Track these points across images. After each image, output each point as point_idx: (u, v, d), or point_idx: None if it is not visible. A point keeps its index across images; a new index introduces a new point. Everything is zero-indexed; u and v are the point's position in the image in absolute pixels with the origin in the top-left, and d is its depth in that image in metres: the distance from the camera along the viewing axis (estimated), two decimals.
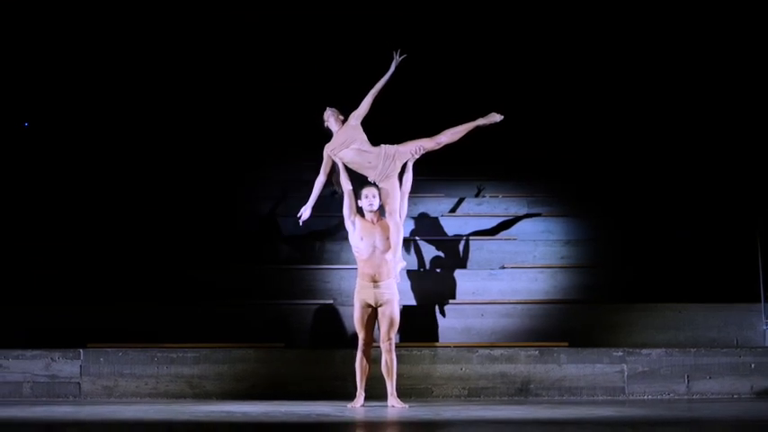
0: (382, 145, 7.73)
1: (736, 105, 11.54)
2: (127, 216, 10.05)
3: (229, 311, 8.70)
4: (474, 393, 7.92)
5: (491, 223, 10.04)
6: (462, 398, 7.88)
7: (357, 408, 7.08)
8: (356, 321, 7.24)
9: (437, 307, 8.73)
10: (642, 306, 8.79)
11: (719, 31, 11.79)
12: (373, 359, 7.28)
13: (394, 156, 7.70)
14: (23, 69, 11.83)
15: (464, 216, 10.23)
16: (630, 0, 12.13)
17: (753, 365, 7.98)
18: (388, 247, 7.24)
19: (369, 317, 7.21)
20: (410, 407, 7.07)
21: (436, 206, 10.36)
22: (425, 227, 9.89)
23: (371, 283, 7.18)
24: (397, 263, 7.42)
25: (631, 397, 7.89)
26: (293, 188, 10.15)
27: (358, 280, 7.28)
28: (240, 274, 9.18)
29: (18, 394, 7.84)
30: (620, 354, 7.98)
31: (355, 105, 7.83)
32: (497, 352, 8.01)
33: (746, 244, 9.13)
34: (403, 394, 7.36)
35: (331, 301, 8.87)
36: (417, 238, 9.58)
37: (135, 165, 11.15)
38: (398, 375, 7.26)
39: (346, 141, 7.70)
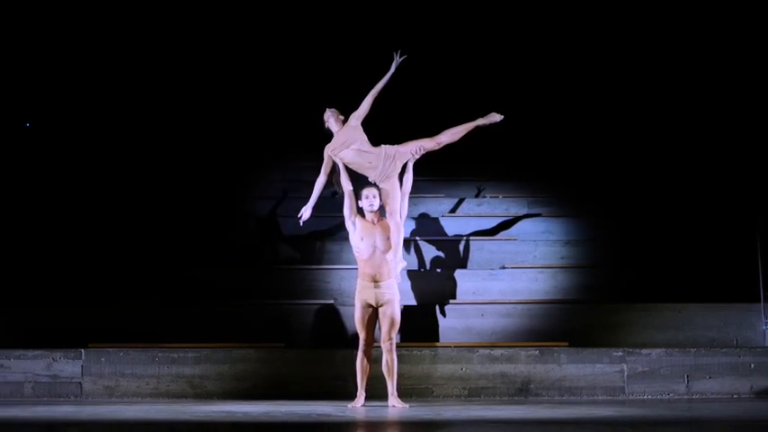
0: (382, 145, 7.74)
1: (736, 105, 11.55)
2: (128, 216, 10.06)
3: (230, 311, 8.71)
4: (474, 393, 7.93)
5: (491, 223, 10.05)
6: (463, 398, 7.89)
7: (358, 407, 7.09)
8: (357, 321, 7.26)
9: (437, 307, 8.75)
10: (642, 306, 8.80)
11: (719, 31, 11.80)
12: (374, 359, 7.29)
13: (394, 156, 7.71)
14: (24, 70, 11.83)
15: (464, 216, 10.24)
16: (630, 0, 12.14)
17: (752, 365, 7.99)
18: (388, 248, 7.25)
19: (369, 317, 7.22)
20: (411, 407, 7.08)
21: (437, 206, 10.38)
22: (426, 227, 9.90)
23: (372, 284, 7.20)
24: (398, 263, 7.44)
25: (631, 397, 7.90)
26: (294, 188, 10.18)
27: (359, 280, 7.29)
28: (241, 274, 9.19)
29: (19, 394, 7.85)
30: (620, 354, 7.99)
31: (355, 106, 7.84)
32: (498, 352, 8.03)
33: (746, 244, 9.14)
34: (403, 394, 7.38)
35: (332, 302, 8.89)
36: (418, 238, 9.60)
37: (136, 165, 11.16)
38: (399, 375, 7.28)
39: (346, 142, 7.71)
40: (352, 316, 7.37)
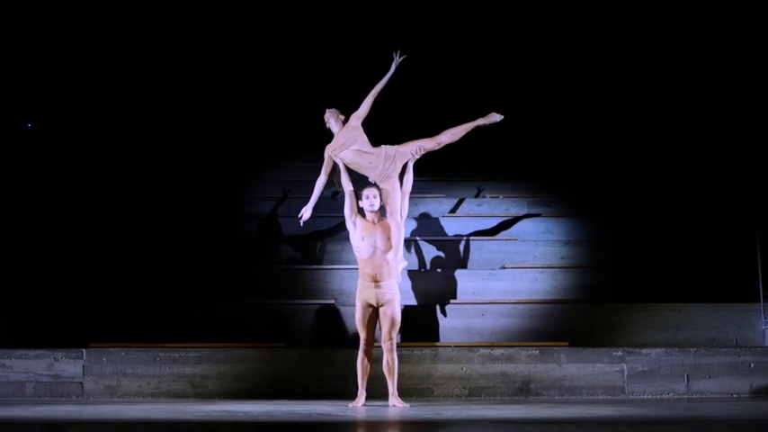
0: (383, 146, 7.75)
1: (736, 105, 11.56)
2: (129, 216, 10.07)
3: (231, 311, 8.72)
4: (475, 393, 7.94)
5: (491, 223, 10.07)
6: (463, 397, 7.91)
7: (358, 407, 7.10)
8: (357, 321, 7.27)
9: (438, 307, 8.76)
10: (642, 306, 8.81)
11: (719, 31, 11.81)
12: (374, 359, 7.31)
13: (394, 156, 7.72)
14: (26, 72, 11.84)
15: (465, 216, 10.25)
16: (630, 0, 12.15)
17: (752, 365, 8.00)
18: (388, 247, 7.27)
19: (370, 317, 7.24)
20: (411, 406, 7.09)
21: (437, 206, 10.39)
22: (426, 227, 9.92)
23: (372, 283, 7.21)
24: (399, 263, 7.45)
25: (631, 396, 7.91)
26: (294, 188, 10.20)
27: (359, 280, 7.30)
28: (242, 274, 9.21)
29: (21, 394, 7.86)
30: (620, 353, 8.00)
31: (355, 106, 7.86)
32: (498, 352, 8.04)
33: (746, 244, 9.15)
34: (404, 394, 7.39)
35: (332, 301, 8.90)
36: (418, 238, 9.61)
37: (136, 165, 11.18)
38: (399, 375, 7.29)
39: (347, 142, 7.72)
40: (353, 316, 7.38)
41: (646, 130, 11.83)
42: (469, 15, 12.37)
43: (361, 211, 7.41)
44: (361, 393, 7.22)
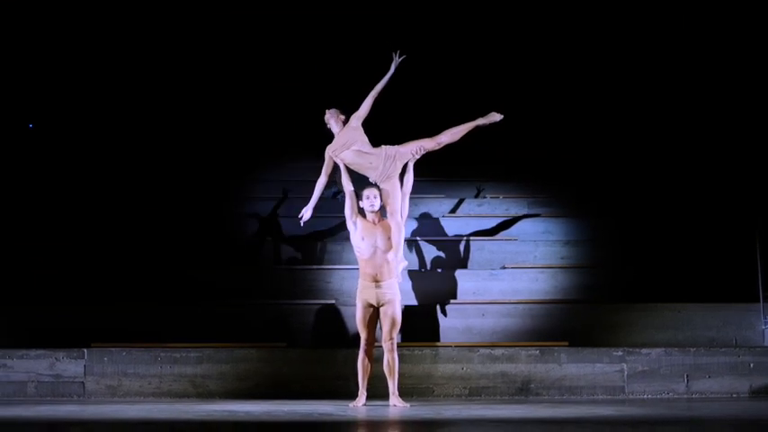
0: (383, 146, 7.76)
1: (736, 105, 11.57)
2: (129, 217, 10.08)
3: (232, 311, 8.73)
4: (475, 393, 7.96)
5: (491, 224, 10.08)
6: (463, 397, 7.92)
7: (359, 407, 7.11)
8: (358, 321, 7.28)
9: (438, 307, 8.77)
10: (642, 306, 8.83)
11: (719, 31, 11.81)
12: (375, 359, 7.32)
13: (395, 156, 7.73)
14: (27, 72, 11.85)
15: (465, 216, 10.26)
16: (630, 0, 12.15)
17: (751, 365, 8.01)
18: (389, 247, 7.28)
19: (370, 317, 7.25)
20: (411, 406, 7.10)
21: (437, 207, 10.40)
22: (426, 227, 9.93)
23: (373, 283, 7.22)
24: (399, 263, 7.46)
25: (631, 396, 7.92)
26: (294, 188, 10.20)
27: (360, 280, 7.31)
28: (242, 274, 9.22)
29: (22, 394, 7.87)
30: (620, 353, 8.02)
31: (355, 106, 7.86)
32: (498, 351, 8.05)
33: (745, 244, 9.17)
34: (404, 393, 7.40)
35: (333, 301, 8.91)
36: (418, 238, 9.62)
37: (137, 165, 11.18)
38: (400, 375, 7.30)
39: (347, 143, 7.73)
40: (353, 316, 7.39)
41: (645, 131, 11.84)
42: (469, 15, 12.37)
43: (361, 212, 7.42)
44: (362, 393, 7.23)
